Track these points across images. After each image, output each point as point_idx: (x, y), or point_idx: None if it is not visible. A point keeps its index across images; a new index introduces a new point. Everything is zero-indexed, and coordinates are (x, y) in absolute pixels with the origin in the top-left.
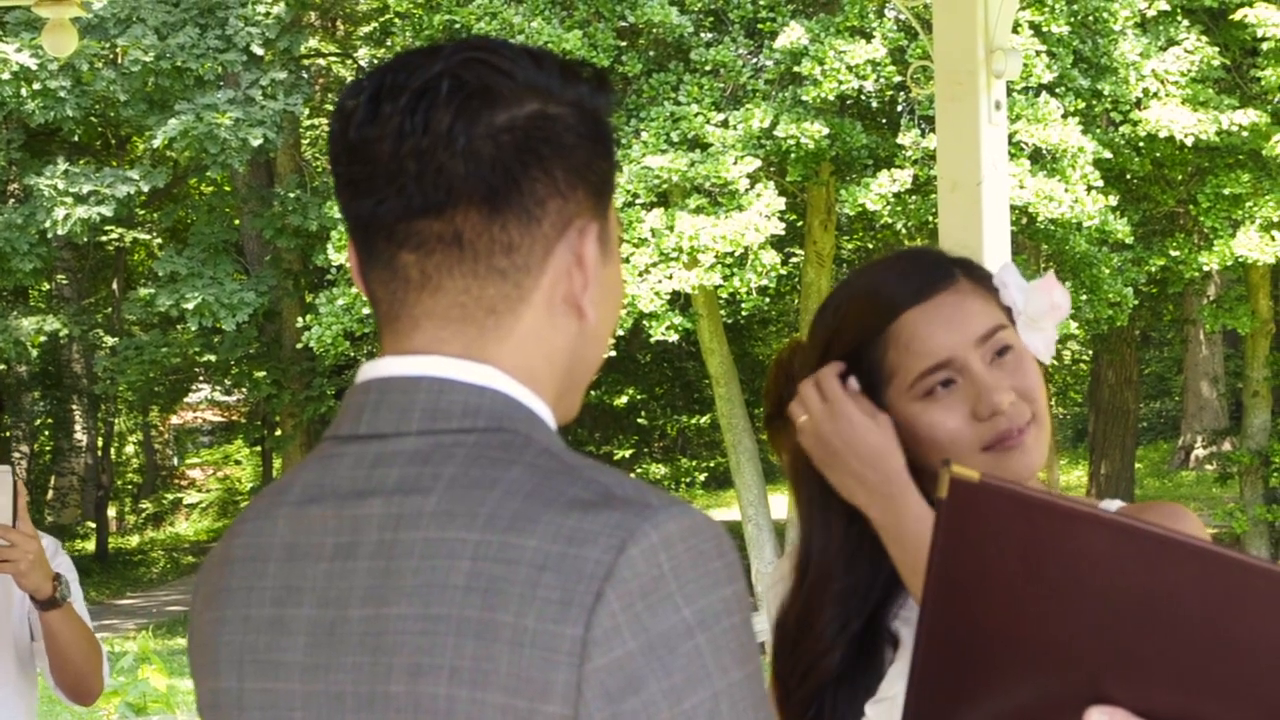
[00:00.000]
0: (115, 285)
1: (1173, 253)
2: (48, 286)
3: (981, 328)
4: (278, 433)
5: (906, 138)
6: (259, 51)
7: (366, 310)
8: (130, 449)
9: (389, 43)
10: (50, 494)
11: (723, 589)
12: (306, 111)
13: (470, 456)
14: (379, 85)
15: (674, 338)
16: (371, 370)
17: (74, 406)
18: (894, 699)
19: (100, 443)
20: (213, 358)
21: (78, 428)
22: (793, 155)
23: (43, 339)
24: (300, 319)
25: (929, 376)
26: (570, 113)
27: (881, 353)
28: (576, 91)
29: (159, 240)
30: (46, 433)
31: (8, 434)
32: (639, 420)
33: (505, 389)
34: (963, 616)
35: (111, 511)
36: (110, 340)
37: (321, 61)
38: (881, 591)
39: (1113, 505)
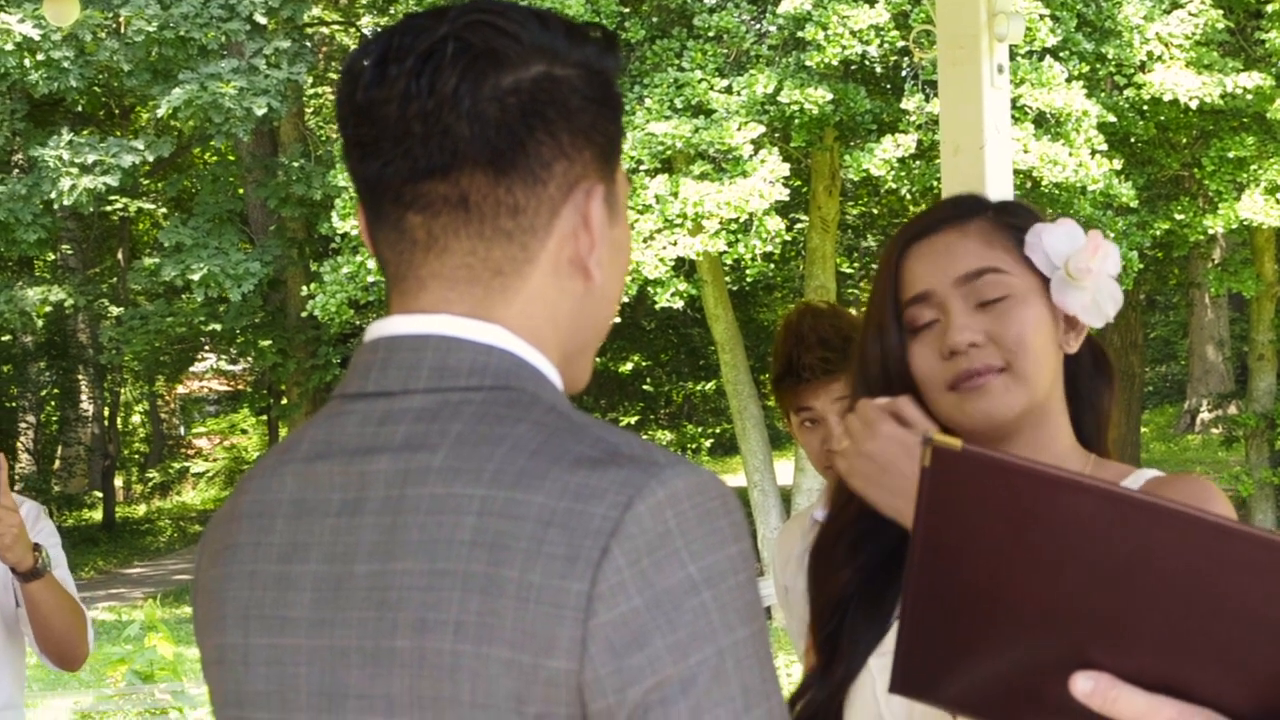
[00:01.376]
0: (120, 255)
1: (1177, 216)
2: (53, 257)
3: (967, 266)
4: (283, 401)
5: (910, 102)
6: (262, 20)
7: (371, 278)
8: (136, 418)
9: (392, 10)
10: (57, 464)
11: (728, 547)
12: (310, 80)
13: (477, 414)
14: (386, 47)
15: (679, 304)
16: (379, 329)
17: (80, 376)
18: None
19: (106, 412)
20: (218, 327)
21: (84, 398)
22: (796, 121)
23: (48, 309)
24: (305, 288)
25: (910, 308)
26: (577, 75)
27: (893, 284)
28: (583, 53)
29: (164, 210)
30: (53, 403)
31: (14, 404)
32: (644, 387)
33: (512, 348)
34: (948, 583)
35: (118, 481)
36: (116, 310)
37: (325, 30)
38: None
39: (1144, 476)
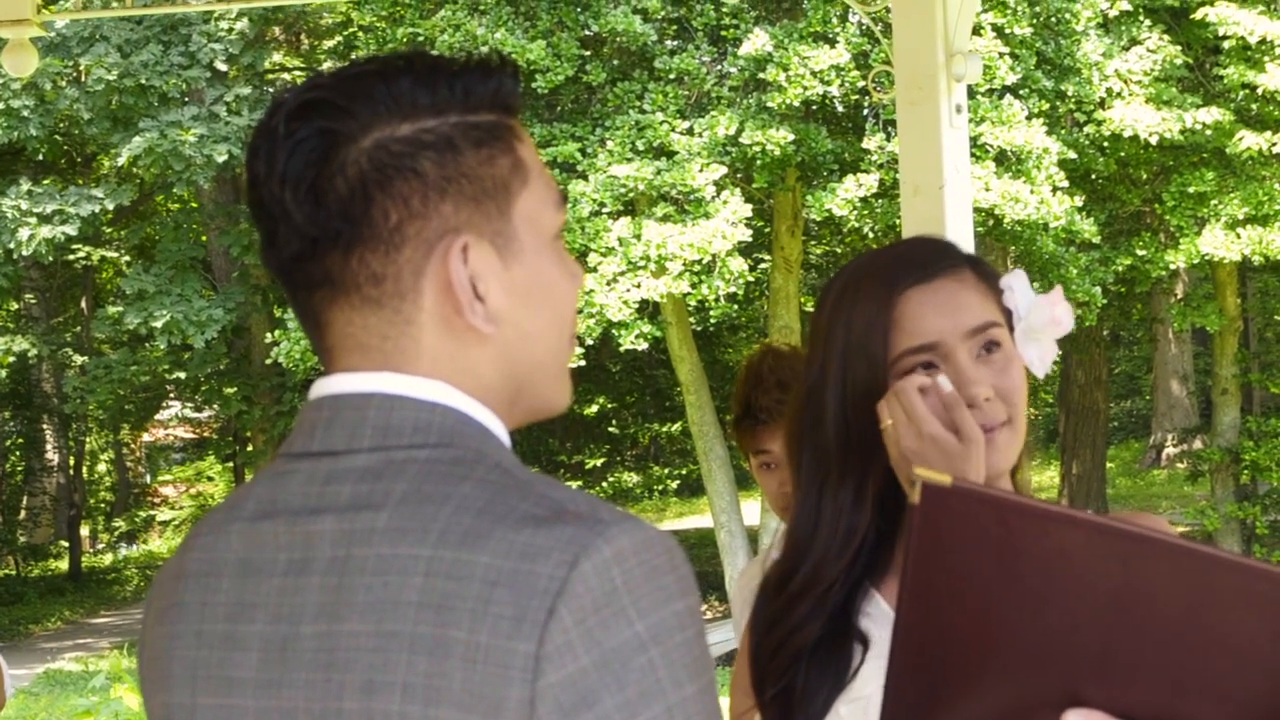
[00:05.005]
0: (84, 304)
1: (1139, 252)
2: (16, 306)
3: (975, 320)
4: (249, 448)
5: (871, 142)
6: (223, 68)
7: None
8: (102, 467)
9: (353, 56)
10: (23, 514)
11: (676, 603)
12: None
13: (422, 473)
14: (255, 134)
15: (643, 346)
16: (324, 387)
17: (45, 426)
18: (868, 699)
19: (72, 461)
20: (182, 375)
21: (49, 447)
22: (758, 162)
23: (11, 359)
24: (269, 334)
25: (911, 356)
26: (427, 129)
27: (884, 330)
28: (436, 98)
29: (127, 258)
30: (17, 453)
31: None
32: (610, 429)
33: (455, 404)
34: (938, 620)
35: (84, 530)
36: (80, 359)
37: (286, 76)
38: (854, 580)
39: None
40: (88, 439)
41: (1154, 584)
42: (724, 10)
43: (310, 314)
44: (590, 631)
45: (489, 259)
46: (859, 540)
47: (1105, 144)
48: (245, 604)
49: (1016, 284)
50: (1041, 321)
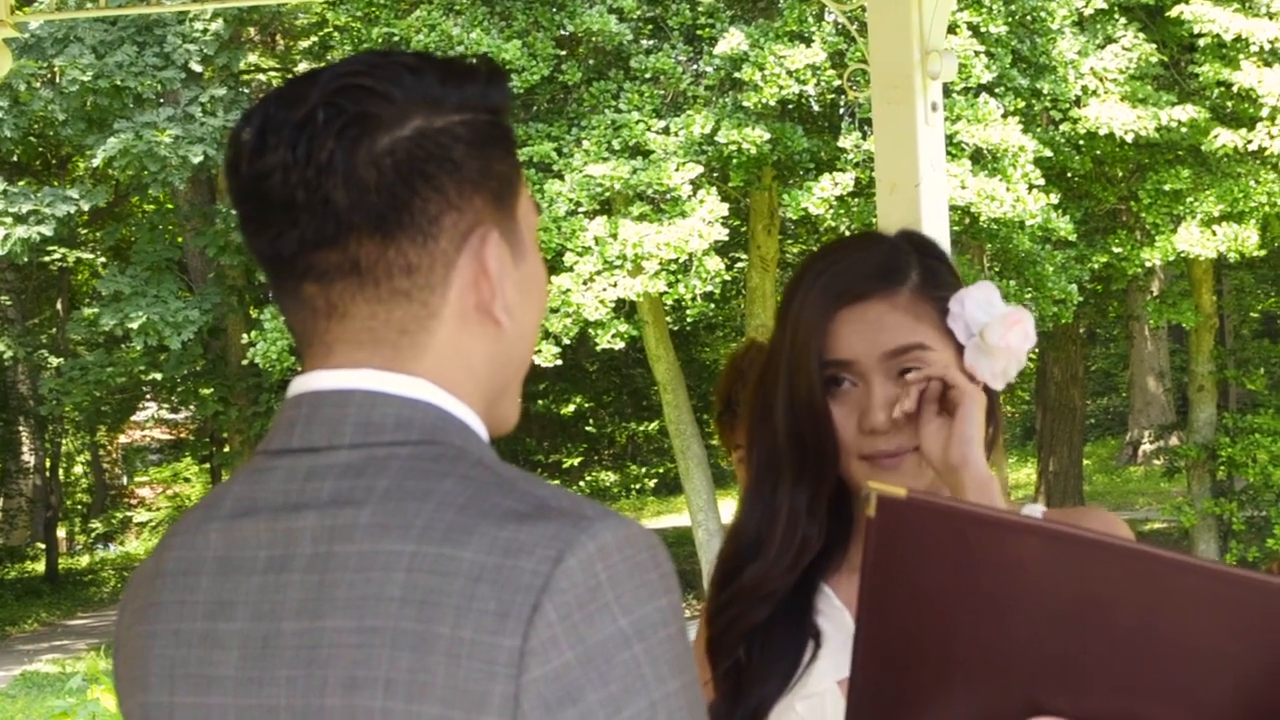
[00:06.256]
0: (60, 305)
1: (1115, 249)
2: None
3: (894, 342)
4: (226, 449)
5: (847, 141)
6: (198, 68)
7: None
8: (79, 469)
9: (328, 57)
10: None
11: (659, 599)
12: None
13: (404, 469)
14: (264, 119)
15: (620, 345)
16: (303, 384)
17: (21, 428)
18: (823, 695)
19: (48, 463)
20: (159, 376)
21: (25, 449)
22: (734, 161)
23: None
24: (245, 335)
25: (829, 369)
26: (458, 121)
27: (819, 343)
28: (462, 95)
29: (102, 259)
30: None
31: None
32: (587, 428)
33: (436, 401)
34: (899, 632)
35: (61, 532)
36: (55, 361)
37: (261, 77)
38: (803, 574)
39: (1035, 511)
40: (64, 441)
41: (1110, 589)
42: (699, 10)
43: (319, 306)
44: (575, 627)
45: (506, 255)
46: (811, 552)
47: (1081, 142)
48: (225, 602)
49: (969, 302)
50: (994, 342)
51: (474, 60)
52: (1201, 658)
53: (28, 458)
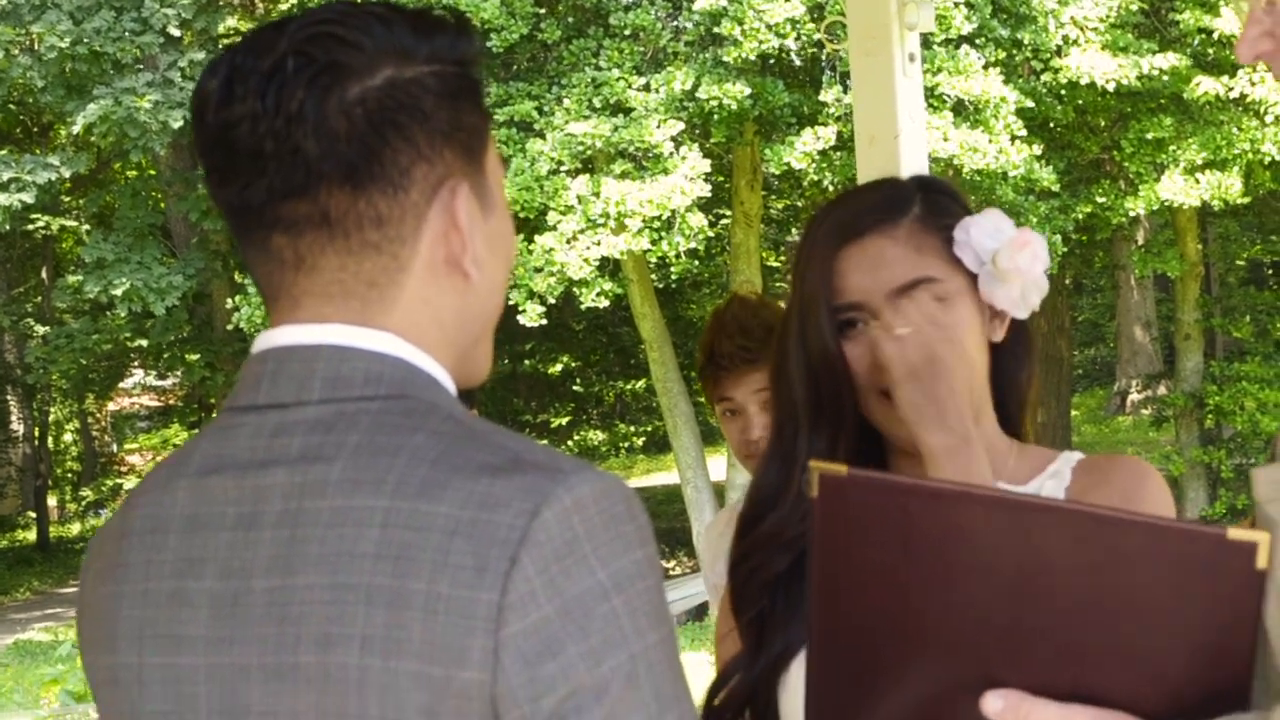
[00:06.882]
0: (45, 273)
1: (1099, 199)
2: None
3: (900, 278)
4: (214, 415)
5: (829, 94)
6: (176, 33)
7: None
8: (68, 437)
9: None
10: None
11: (635, 551)
12: None
13: (374, 424)
14: (230, 68)
15: (604, 304)
16: (269, 340)
17: (9, 397)
18: None
19: (37, 432)
20: (144, 343)
21: (14, 418)
22: (715, 117)
23: None
24: (230, 300)
25: (840, 314)
26: (428, 72)
27: (827, 289)
28: (432, 47)
29: (86, 227)
30: None
31: None
32: (575, 387)
33: (405, 355)
34: (849, 614)
35: (52, 500)
36: (41, 329)
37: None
38: None
39: (1072, 458)
40: (52, 409)
41: (1058, 553)
42: None
43: (288, 258)
44: (553, 580)
45: (475, 208)
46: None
47: (1063, 92)
48: (193, 560)
49: (975, 229)
50: (1005, 266)
51: (442, 12)
52: (1147, 615)
53: (16, 426)
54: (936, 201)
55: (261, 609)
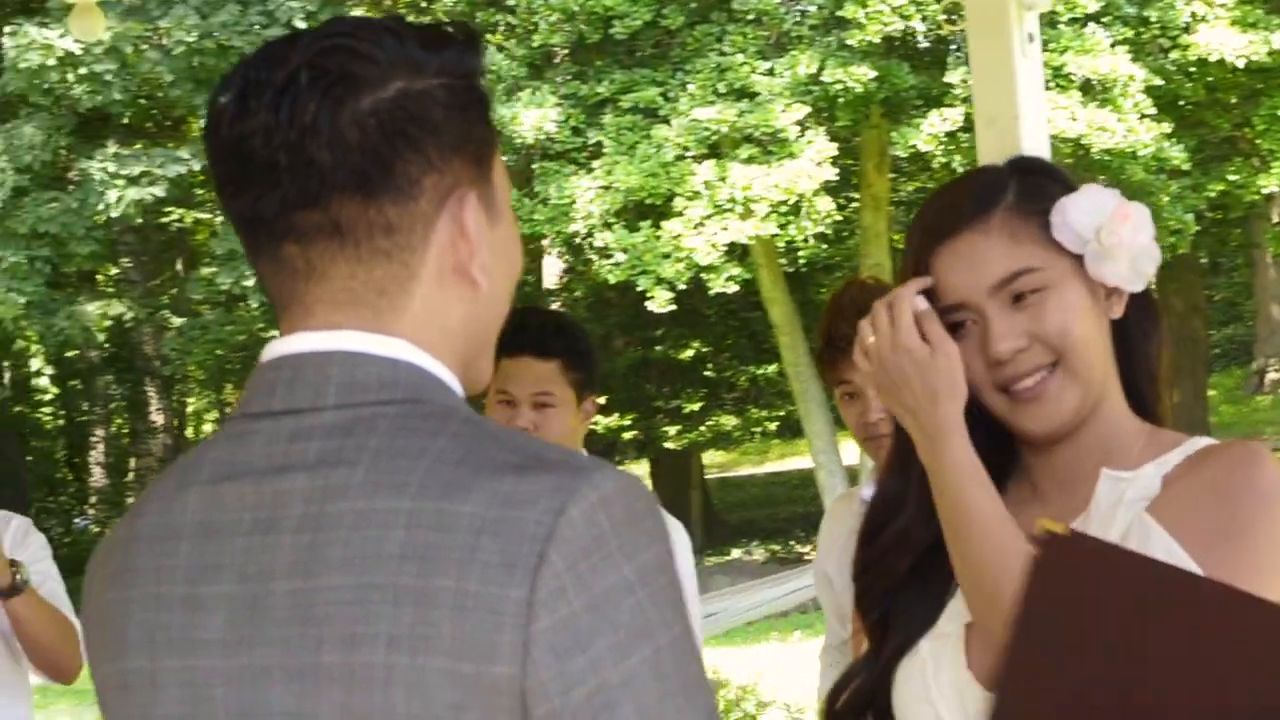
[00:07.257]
0: (180, 266)
1: (1231, 177)
2: (115, 271)
3: (998, 273)
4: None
5: (954, 75)
6: (301, 25)
7: None
8: (208, 427)
9: (432, 8)
10: (130, 475)
11: (657, 545)
12: None
13: (393, 428)
14: (244, 82)
15: (733, 289)
16: (280, 347)
17: (148, 388)
18: (949, 636)
19: (176, 423)
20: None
21: (153, 409)
22: (841, 100)
23: (108, 323)
24: None
25: (947, 315)
26: (438, 85)
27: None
28: (442, 60)
29: (220, 219)
30: (122, 416)
31: (85, 418)
32: (706, 373)
33: (416, 361)
34: (1042, 671)
35: None
36: (177, 321)
37: None
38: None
39: (1197, 444)
40: (191, 400)
41: (1247, 654)
42: None
43: (299, 267)
44: (581, 576)
45: (482, 217)
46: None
47: (1192, 69)
48: (207, 565)
49: (1072, 209)
50: (1110, 244)
51: (450, 26)
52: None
53: (156, 418)
54: (1033, 184)
55: (283, 611)
